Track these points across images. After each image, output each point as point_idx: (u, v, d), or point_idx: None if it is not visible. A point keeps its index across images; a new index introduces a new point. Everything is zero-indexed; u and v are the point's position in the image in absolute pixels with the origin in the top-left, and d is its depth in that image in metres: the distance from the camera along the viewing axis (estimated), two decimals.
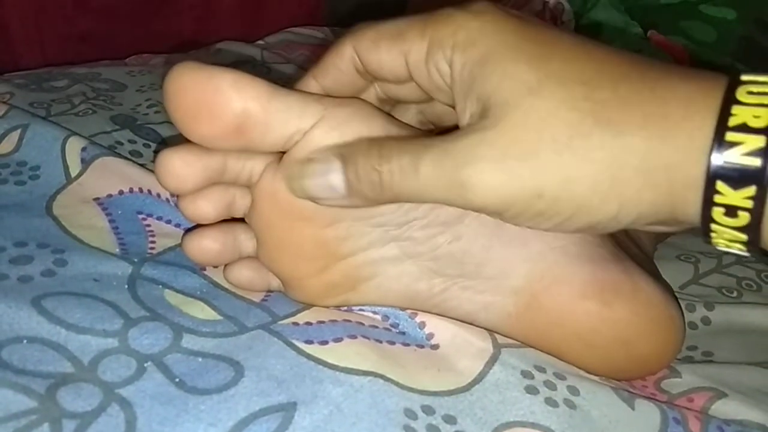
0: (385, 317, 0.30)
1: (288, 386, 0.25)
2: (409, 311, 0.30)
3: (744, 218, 0.20)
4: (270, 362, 0.26)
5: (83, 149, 0.37)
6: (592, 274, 0.30)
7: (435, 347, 0.29)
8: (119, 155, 0.38)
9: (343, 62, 0.27)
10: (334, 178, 0.25)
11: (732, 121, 0.20)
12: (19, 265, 0.28)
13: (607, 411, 0.27)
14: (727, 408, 0.29)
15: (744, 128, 0.20)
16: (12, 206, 0.33)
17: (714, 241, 0.22)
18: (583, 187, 0.22)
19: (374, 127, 0.26)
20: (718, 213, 0.21)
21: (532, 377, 0.27)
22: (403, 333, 0.29)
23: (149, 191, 0.35)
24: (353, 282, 0.29)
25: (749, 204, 0.20)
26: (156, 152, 0.38)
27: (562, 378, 0.28)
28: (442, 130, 0.26)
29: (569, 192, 0.22)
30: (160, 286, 0.29)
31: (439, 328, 0.29)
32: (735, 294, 0.39)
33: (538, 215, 0.23)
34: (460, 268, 0.29)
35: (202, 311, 0.28)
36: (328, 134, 0.25)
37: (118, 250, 0.31)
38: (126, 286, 0.29)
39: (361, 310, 0.30)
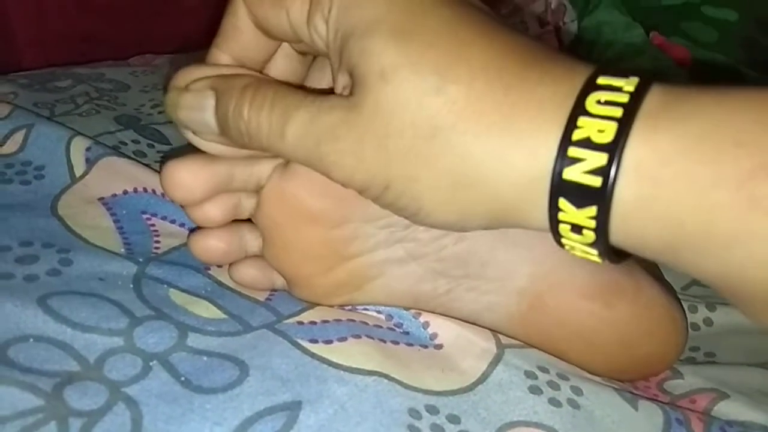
0: (389, 317, 0.30)
1: (293, 385, 0.25)
2: (413, 311, 0.30)
3: (589, 236, 0.19)
4: (275, 361, 0.26)
5: (88, 149, 0.37)
6: (595, 275, 0.30)
7: (439, 347, 0.29)
8: (124, 155, 0.38)
9: (240, 21, 0.25)
10: (209, 114, 0.24)
11: (576, 135, 0.19)
12: (24, 264, 0.28)
13: (610, 411, 0.27)
14: (729, 409, 0.30)
15: (587, 143, 0.18)
16: (17, 206, 0.33)
17: (570, 252, 0.21)
18: (423, 190, 0.21)
19: None
20: (564, 229, 0.20)
21: (536, 377, 0.28)
22: (407, 333, 0.30)
23: (154, 191, 0.35)
24: (359, 282, 0.29)
25: (592, 224, 0.19)
26: (162, 159, 0.39)
27: (565, 378, 0.28)
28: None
29: (411, 191, 0.21)
30: (165, 286, 0.29)
31: (442, 328, 0.29)
32: None
33: (389, 205, 0.22)
34: (465, 269, 0.29)
35: (207, 310, 0.28)
36: None
37: (123, 249, 0.31)
38: (131, 286, 0.29)
39: (365, 309, 0.30)
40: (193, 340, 0.26)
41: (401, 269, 0.29)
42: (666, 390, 0.31)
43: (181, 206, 0.28)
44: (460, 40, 0.20)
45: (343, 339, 0.28)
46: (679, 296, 0.36)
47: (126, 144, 0.40)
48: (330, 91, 0.23)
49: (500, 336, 0.30)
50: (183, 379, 0.25)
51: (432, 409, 0.25)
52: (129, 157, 0.38)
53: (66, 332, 0.25)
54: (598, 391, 0.28)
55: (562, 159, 0.19)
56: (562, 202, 0.19)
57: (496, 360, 0.28)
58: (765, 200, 0.17)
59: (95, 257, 0.30)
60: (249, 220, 0.30)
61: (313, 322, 0.29)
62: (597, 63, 0.20)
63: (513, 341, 0.30)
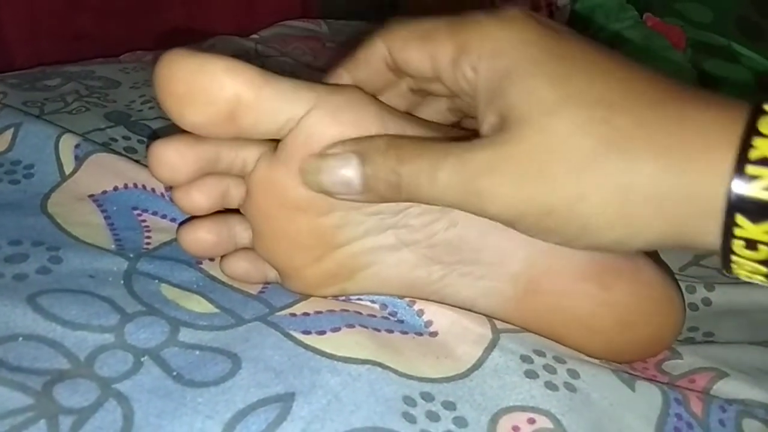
0: (384, 306, 0.30)
1: (286, 377, 0.25)
2: (407, 299, 0.30)
3: (764, 252, 0.20)
4: (267, 353, 0.26)
5: (77, 146, 0.36)
6: (591, 256, 0.29)
7: (433, 334, 0.29)
8: (113, 151, 0.37)
9: (374, 58, 0.27)
10: (352, 175, 0.25)
11: (752, 154, 0.20)
12: (14, 263, 0.28)
13: (607, 393, 0.27)
14: (728, 388, 0.29)
15: (765, 162, 0.19)
16: (6, 205, 0.33)
17: (735, 271, 0.22)
18: (590, 211, 0.22)
19: (368, 114, 0.26)
20: (738, 245, 0.21)
21: (532, 361, 0.27)
22: (402, 321, 0.29)
23: (144, 186, 0.35)
24: (350, 271, 0.29)
25: None
26: (149, 140, 0.38)
27: (561, 362, 0.28)
28: (456, 135, 0.26)
29: (577, 214, 0.22)
30: (157, 281, 0.29)
31: (437, 315, 0.29)
32: None
33: (547, 231, 0.23)
34: (458, 254, 0.29)
35: (198, 304, 0.28)
36: (321, 121, 0.25)
37: (113, 246, 0.31)
38: (122, 282, 0.29)
39: (359, 299, 0.30)
40: (185, 334, 0.26)
41: (393, 256, 0.29)
42: (665, 370, 0.31)
43: (169, 192, 0.28)
44: (615, 76, 0.22)
45: (336, 329, 0.27)
46: (678, 277, 0.36)
47: (116, 140, 0.40)
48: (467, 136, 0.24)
49: (496, 321, 0.29)
50: (175, 373, 0.24)
51: (427, 396, 0.25)
52: (119, 154, 0.37)
53: (56, 330, 0.25)
54: (596, 373, 0.28)
55: (741, 176, 0.20)
56: (739, 218, 0.20)
57: (492, 345, 0.28)
58: None
59: (85, 254, 0.30)
60: (239, 212, 0.29)
61: (306, 314, 0.28)
62: None
63: (509, 326, 0.29)
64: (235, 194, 0.28)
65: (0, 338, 0.24)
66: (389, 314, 0.30)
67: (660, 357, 0.32)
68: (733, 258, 0.21)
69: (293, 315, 0.28)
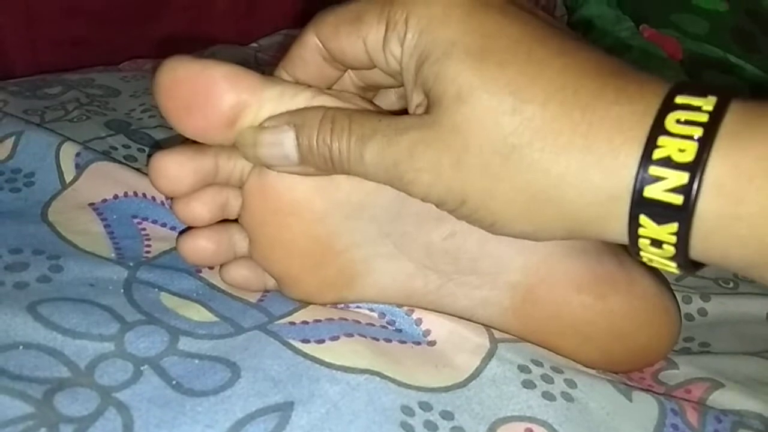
0: (382, 315, 0.30)
1: (285, 386, 0.25)
2: (405, 308, 0.30)
3: (669, 251, 0.20)
4: (266, 362, 0.26)
5: (77, 155, 0.37)
6: (587, 267, 0.30)
7: (432, 344, 0.29)
8: (113, 160, 0.38)
9: (307, 52, 0.26)
10: (288, 147, 0.25)
11: (657, 154, 0.19)
12: (14, 272, 0.28)
13: (604, 403, 0.27)
14: (724, 398, 0.29)
15: (668, 162, 0.19)
16: (7, 213, 0.33)
17: (648, 263, 0.22)
18: (498, 206, 0.22)
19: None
20: (644, 243, 0.21)
21: (529, 371, 0.28)
22: (400, 330, 0.29)
23: (144, 195, 0.35)
24: (348, 279, 0.29)
25: (672, 239, 0.20)
26: (150, 156, 0.38)
27: (559, 371, 0.28)
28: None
29: (487, 205, 0.22)
30: (156, 290, 0.29)
31: (435, 325, 0.29)
32: (731, 285, 0.39)
33: (466, 218, 0.23)
34: (456, 263, 0.29)
35: (198, 313, 0.28)
36: None
37: (113, 254, 0.31)
38: (122, 291, 0.29)
39: (357, 307, 0.30)
40: (185, 343, 0.26)
41: (391, 264, 0.29)
42: (661, 380, 0.31)
43: (169, 201, 0.28)
44: (534, 60, 0.21)
45: (335, 338, 0.28)
46: (674, 287, 0.36)
47: (116, 149, 0.40)
48: (402, 112, 0.24)
49: (494, 331, 0.30)
50: (174, 382, 0.25)
51: (425, 406, 0.25)
52: (119, 162, 0.38)
53: (56, 339, 0.25)
54: (592, 383, 0.28)
55: (644, 177, 0.19)
56: (643, 219, 0.20)
57: (490, 355, 0.28)
58: None
59: (85, 263, 0.30)
60: (236, 221, 0.30)
61: (305, 322, 0.28)
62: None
63: (506, 336, 0.30)
64: (234, 205, 0.29)
65: (0, 347, 0.24)
66: (388, 323, 0.30)
67: (656, 367, 0.32)
68: (642, 254, 0.21)
69: (292, 323, 0.28)
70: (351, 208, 0.27)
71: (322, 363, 0.26)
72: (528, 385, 0.27)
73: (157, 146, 0.42)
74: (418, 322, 0.29)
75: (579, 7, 0.71)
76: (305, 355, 0.26)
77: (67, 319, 0.26)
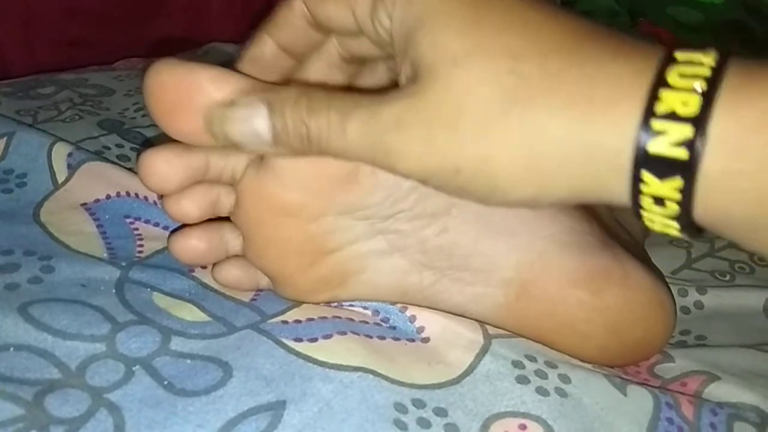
0: (376, 312, 0.30)
1: (277, 385, 0.25)
2: (399, 305, 0.30)
3: (672, 208, 0.19)
4: (259, 362, 0.26)
5: (69, 155, 0.36)
6: (582, 262, 0.29)
7: (425, 340, 0.29)
8: (106, 160, 0.37)
9: (294, 16, 0.25)
10: (260, 125, 0.24)
11: (659, 108, 0.19)
12: (5, 272, 0.28)
13: (599, 398, 0.27)
14: (720, 391, 0.29)
15: (671, 116, 0.18)
16: None
17: (648, 225, 0.21)
18: (497, 170, 0.21)
19: None
20: (647, 201, 0.20)
21: (523, 367, 0.27)
22: (394, 327, 0.29)
23: (137, 195, 0.35)
24: (342, 277, 0.29)
25: (677, 196, 0.19)
26: (139, 150, 0.38)
27: (553, 367, 0.28)
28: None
29: (485, 171, 0.21)
30: (149, 290, 0.29)
31: (429, 322, 0.29)
32: (728, 277, 0.39)
33: (459, 189, 0.22)
34: (449, 260, 0.29)
35: (190, 313, 0.28)
36: None
37: (106, 254, 0.31)
38: (114, 291, 0.29)
39: (351, 305, 0.30)
40: (177, 343, 0.26)
41: (385, 262, 0.29)
42: (657, 374, 0.31)
43: (159, 198, 0.28)
44: (529, 23, 0.21)
45: (328, 336, 0.28)
46: (669, 280, 0.36)
47: (109, 148, 0.40)
48: (384, 90, 0.23)
49: (487, 327, 0.29)
50: (166, 383, 0.24)
51: (419, 403, 0.25)
52: (112, 162, 0.38)
53: (47, 340, 0.25)
54: (587, 378, 0.28)
55: (647, 132, 0.19)
56: (646, 174, 0.19)
57: (483, 351, 0.28)
58: None
59: (77, 263, 0.30)
60: (230, 220, 0.29)
61: (297, 321, 0.28)
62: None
63: (500, 331, 0.29)
64: (225, 202, 0.29)
65: None
66: (381, 320, 0.30)
67: (652, 360, 0.32)
68: (644, 213, 0.20)
69: (285, 322, 0.28)
70: (345, 208, 0.27)
71: (314, 362, 0.26)
72: (522, 380, 0.27)
73: (149, 144, 0.42)
74: (412, 319, 0.29)
75: (575, 1, 0.71)
76: (298, 354, 0.26)
77: (58, 320, 0.26)
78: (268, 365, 0.26)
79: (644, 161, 0.19)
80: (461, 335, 0.29)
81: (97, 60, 0.62)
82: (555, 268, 0.29)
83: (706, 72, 0.18)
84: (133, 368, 0.25)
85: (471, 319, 0.30)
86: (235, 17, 0.80)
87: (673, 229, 0.20)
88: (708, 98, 0.18)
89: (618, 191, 0.20)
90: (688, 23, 0.65)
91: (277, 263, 0.29)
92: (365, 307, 0.30)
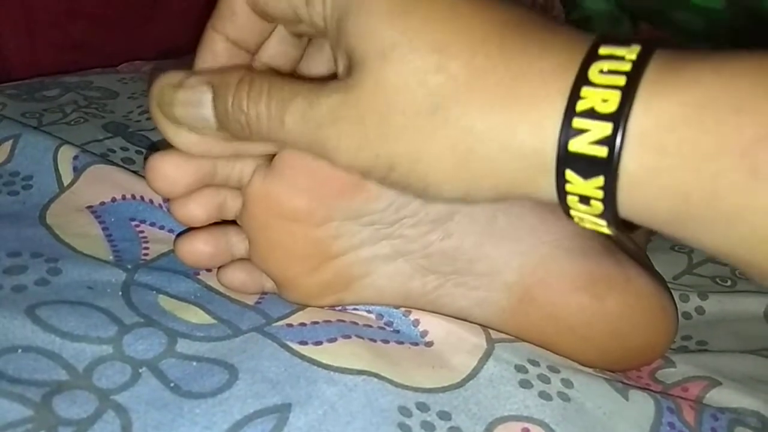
0: (380, 316, 0.30)
1: (282, 387, 0.25)
2: (402, 309, 0.30)
3: (597, 207, 0.19)
4: (264, 364, 0.26)
5: (75, 157, 0.37)
6: (584, 267, 0.30)
7: (429, 344, 0.29)
8: (111, 162, 0.38)
9: (236, 5, 0.25)
10: (206, 109, 0.24)
11: (580, 106, 0.18)
12: (12, 275, 0.28)
13: (601, 402, 0.27)
14: (721, 396, 0.30)
15: (591, 114, 0.18)
16: (5, 216, 0.33)
17: (579, 224, 0.21)
18: (427, 166, 0.21)
19: None
20: (572, 201, 0.20)
21: (526, 371, 0.28)
22: (398, 331, 0.30)
23: (142, 198, 0.35)
24: (346, 281, 0.29)
25: (600, 194, 0.19)
26: (146, 157, 0.39)
27: (555, 371, 0.28)
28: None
29: (416, 169, 0.21)
30: (154, 292, 0.29)
31: (432, 326, 0.29)
32: (729, 283, 0.39)
33: (396, 185, 0.22)
34: (453, 264, 0.29)
35: (196, 315, 0.28)
36: None
37: (111, 257, 0.31)
38: (120, 293, 0.29)
39: (355, 309, 0.30)
40: (183, 345, 0.26)
41: (389, 266, 0.29)
42: (658, 379, 0.31)
43: (167, 203, 0.28)
44: (458, 14, 0.20)
45: (332, 340, 0.28)
46: (671, 285, 0.36)
47: (114, 151, 0.40)
48: (327, 78, 0.23)
49: (491, 331, 0.30)
50: (172, 385, 0.25)
51: (422, 407, 0.26)
52: (117, 165, 0.38)
53: (54, 342, 0.25)
54: (589, 382, 0.28)
55: (567, 130, 0.19)
56: (569, 174, 0.19)
57: (487, 355, 0.28)
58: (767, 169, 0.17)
59: (84, 266, 0.30)
60: (236, 223, 0.30)
61: (302, 324, 0.29)
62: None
63: (503, 336, 0.30)
64: (231, 206, 0.29)
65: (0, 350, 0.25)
66: (385, 324, 0.30)
67: (654, 365, 0.32)
68: (572, 213, 0.20)
69: (290, 325, 0.28)
70: (350, 213, 0.27)
71: (319, 364, 0.26)
72: (525, 384, 0.27)
73: (154, 147, 0.42)
74: (416, 323, 0.30)
75: (577, 6, 0.71)
76: (303, 357, 0.27)
77: (65, 322, 0.26)
78: (273, 368, 0.26)
79: (567, 160, 0.19)
80: (465, 339, 0.29)
81: (98, 62, 0.62)
82: (557, 273, 0.30)
83: (627, 67, 0.18)
84: (140, 370, 0.25)
85: (474, 323, 0.30)
86: None
87: (603, 227, 0.20)
88: (627, 94, 0.18)
89: (546, 190, 0.20)
90: (689, 29, 0.65)
91: (283, 267, 0.29)
92: (369, 311, 0.30)
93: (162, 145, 0.27)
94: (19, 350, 0.25)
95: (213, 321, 0.28)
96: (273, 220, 0.28)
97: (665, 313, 0.31)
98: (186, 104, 0.24)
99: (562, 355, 0.30)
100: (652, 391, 0.29)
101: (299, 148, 0.23)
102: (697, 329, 0.35)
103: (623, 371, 0.31)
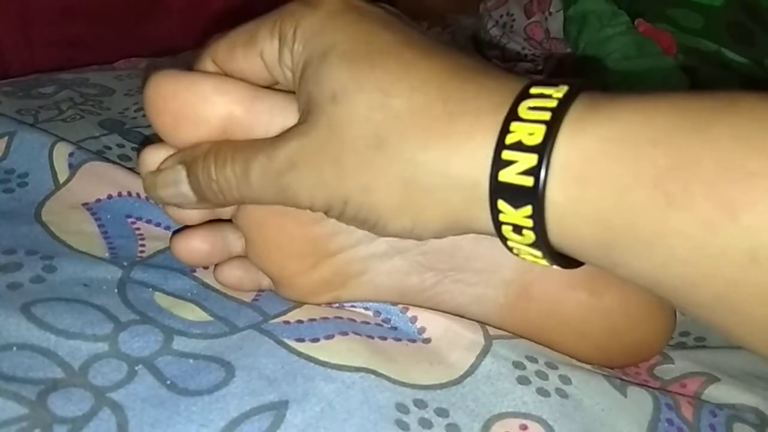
0: (377, 313, 0.30)
1: (279, 385, 0.25)
2: (400, 306, 0.30)
3: (529, 236, 0.20)
4: (261, 361, 0.26)
5: (71, 154, 0.37)
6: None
7: (427, 341, 0.29)
8: (107, 159, 0.38)
9: (208, 69, 0.26)
10: (184, 186, 0.25)
11: (509, 139, 0.20)
12: (8, 272, 0.28)
13: (599, 399, 0.27)
14: (719, 392, 0.30)
15: (519, 146, 0.20)
16: (0, 214, 0.33)
17: (518, 256, 0.22)
18: (377, 200, 0.22)
19: None
20: (507, 230, 0.21)
21: (524, 368, 0.28)
22: (395, 328, 0.29)
23: (138, 195, 0.35)
24: (343, 278, 0.29)
25: (530, 223, 0.20)
26: (139, 152, 0.39)
27: (553, 367, 0.28)
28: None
29: (367, 202, 0.22)
30: (150, 289, 0.29)
31: (430, 322, 0.29)
32: None
33: (351, 220, 0.23)
34: (450, 261, 0.29)
35: (192, 313, 0.28)
36: None
37: (107, 254, 0.31)
38: (116, 290, 0.29)
39: (352, 306, 0.30)
40: (179, 343, 0.26)
41: (386, 264, 0.29)
42: (656, 375, 0.31)
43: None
44: (402, 61, 0.22)
45: (330, 337, 0.28)
46: None
47: (110, 148, 0.40)
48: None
49: (488, 327, 0.30)
50: (169, 382, 0.25)
51: (420, 403, 0.25)
52: (113, 162, 0.38)
53: (50, 339, 0.25)
54: (587, 379, 0.28)
55: (498, 161, 0.20)
56: (501, 204, 0.20)
57: (484, 352, 0.28)
58: (680, 196, 0.18)
59: (79, 263, 0.30)
60: (231, 221, 0.30)
61: (299, 321, 0.28)
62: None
63: (501, 332, 0.30)
64: None
65: None
66: (383, 321, 0.30)
67: (652, 362, 0.32)
68: (510, 244, 0.21)
69: (287, 323, 0.28)
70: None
71: (316, 362, 0.26)
72: (523, 381, 0.27)
73: (148, 141, 0.42)
74: (413, 319, 0.29)
75: (575, 2, 0.71)
76: (300, 354, 0.26)
77: (61, 320, 0.26)
78: (270, 365, 0.26)
79: (497, 190, 0.20)
80: (462, 336, 0.29)
81: (95, 60, 0.62)
82: (555, 270, 0.29)
83: (553, 104, 0.20)
84: (136, 368, 0.25)
85: (472, 319, 0.30)
86: (232, 17, 0.80)
87: (539, 259, 0.21)
88: (551, 128, 0.19)
89: (483, 222, 0.21)
90: (688, 25, 0.65)
91: (279, 265, 0.29)
92: (366, 308, 0.30)
93: (156, 139, 0.26)
94: (14, 348, 0.25)
95: (209, 318, 0.28)
96: (270, 218, 0.27)
97: (663, 309, 0.31)
98: (165, 186, 0.26)
99: (560, 352, 0.30)
100: (650, 387, 0.29)
101: (267, 203, 0.24)
102: (695, 325, 0.35)
103: (621, 367, 0.31)
